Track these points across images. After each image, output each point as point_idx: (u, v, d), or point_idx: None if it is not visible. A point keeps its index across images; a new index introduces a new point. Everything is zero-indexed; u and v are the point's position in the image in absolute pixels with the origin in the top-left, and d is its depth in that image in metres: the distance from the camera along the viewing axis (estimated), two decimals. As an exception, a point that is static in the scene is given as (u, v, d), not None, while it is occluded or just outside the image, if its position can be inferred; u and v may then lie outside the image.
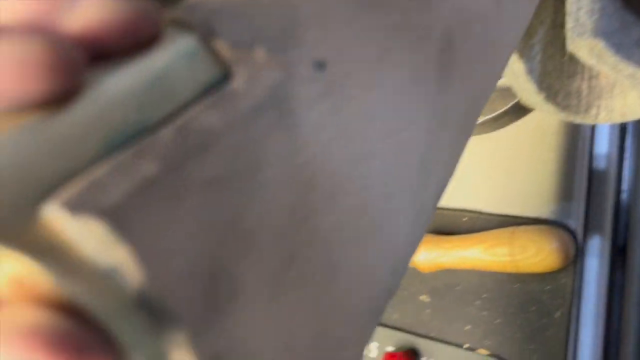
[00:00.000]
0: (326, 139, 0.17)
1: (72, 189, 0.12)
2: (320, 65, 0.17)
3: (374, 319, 0.21)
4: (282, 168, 0.16)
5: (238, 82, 0.16)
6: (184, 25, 0.16)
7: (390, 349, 0.66)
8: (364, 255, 0.19)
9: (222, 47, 0.15)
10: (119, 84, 0.14)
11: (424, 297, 0.67)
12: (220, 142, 0.15)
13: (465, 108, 0.25)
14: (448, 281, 0.66)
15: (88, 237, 0.12)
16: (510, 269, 0.60)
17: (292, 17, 0.17)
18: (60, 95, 0.13)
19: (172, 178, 0.14)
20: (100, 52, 0.14)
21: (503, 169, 0.67)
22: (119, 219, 0.12)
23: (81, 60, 0.13)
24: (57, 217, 0.12)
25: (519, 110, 0.64)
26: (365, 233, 0.19)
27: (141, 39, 0.15)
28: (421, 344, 0.65)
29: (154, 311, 0.13)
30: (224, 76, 0.16)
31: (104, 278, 0.13)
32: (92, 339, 0.12)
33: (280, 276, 0.16)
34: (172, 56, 0.15)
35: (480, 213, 0.66)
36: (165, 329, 0.13)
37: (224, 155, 0.15)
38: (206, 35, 0.16)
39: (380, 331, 0.66)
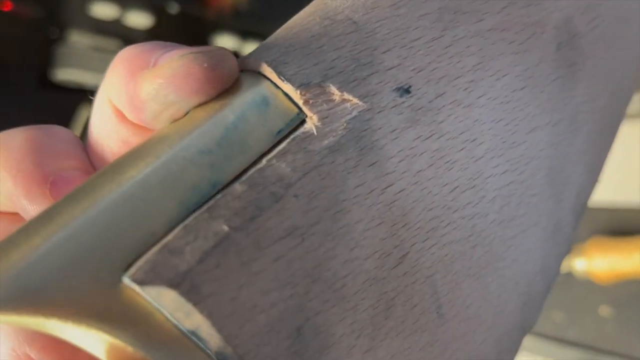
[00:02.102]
0: (416, 169, 0.16)
1: (147, 257, 0.13)
2: (404, 90, 0.16)
3: None
4: (367, 208, 0.15)
5: (310, 123, 0.15)
6: (253, 73, 0.16)
7: (569, 367, 0.60)
8: (481, 290, 0.17)
9: (292, 90, 0.15)
10: (192, 144, 0.14)
11: (604, 310, 0.60)
12: (295, 190, 0.14)
13: (604, 104, 0.22)
14: (634, 290, 0.58)
15: (164, 304, 0.12)
16: None
17: (367, 42, 0.16)
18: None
19: (246, 234, 0.13)
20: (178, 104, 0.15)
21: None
22: (191, 285, 0.12)
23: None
24: (133, 289, 0.12)
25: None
26: (480, 265, 0.17)
27: (218, 89, 0.15)
28: (607, 361, 0.58)
29: None
30: (298, 120, 0.15)
31: (186, 341, 0.13)
32: None
33: (377, 324, 0.15)
34: (243, 108, 0.15)
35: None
36: None
37: (299, 203, 0.14)
38: (276, 80, 0.15)
39: (555, 348, 0.61)
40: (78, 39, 0.93)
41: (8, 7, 0.87)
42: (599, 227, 0.61)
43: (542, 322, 0.62)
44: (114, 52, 0.16)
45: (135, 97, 0.15)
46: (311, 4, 0.17)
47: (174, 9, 0.92)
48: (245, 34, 0.95)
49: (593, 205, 0.62)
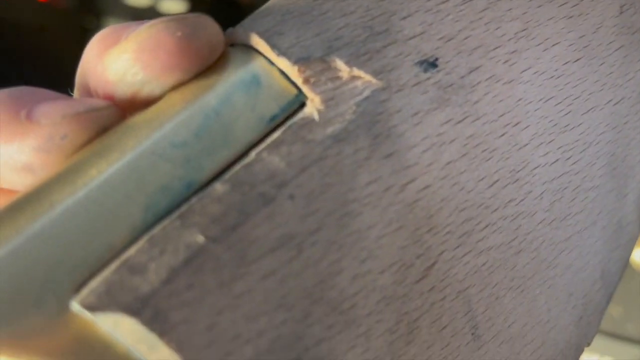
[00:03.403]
0: (445, 160, 0.13)
1: (101, 277, 0.10)
2: (429, 64, 0.13)
3: None
4: (382, 210, 0.12)
5: (311, 107, 0.12)
6: (244, 47, 0.13)
7: (628, 365, 0.56)
8: (526, 305, 0.14)
9: (288, 65, 0.12)
10: (164, 136, 0.12)
11: (666, 304, 0.55)
12: (290, 190, 0.11)
13: None
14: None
15: (123, 334, 0.10)
16: None
17: (383, 5, 0.13)
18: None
19: (226, 246, 0.11)
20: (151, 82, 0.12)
21: None
22: (155, 311, 0.10)
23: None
24: (83, 316, 0.10)
25: None
26: (525, 275, 0.14)
27: (197, 64, 0.12)
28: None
29: None
30: (297, 102, 0.12)
31: None
32: None
33: (397, 351, 0.12)
34: (228, 90, 0.12)
35: None
36: None
37: (296, 206, 0.11)
38: (269, 54, 0.12)
39: (613, 344, 0.56)
40: (115, 28, 0.92)
41: (44, -3, 0.88)
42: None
43: (597, 316, 0.58)
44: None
45: (103, 79, 0.12)
46: None
47: (208, -7, 0.90)
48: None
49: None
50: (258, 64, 0.12)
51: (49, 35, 0.91)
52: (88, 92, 0.14)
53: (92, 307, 0.10)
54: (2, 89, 0.13)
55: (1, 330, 0.10)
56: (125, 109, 0.13)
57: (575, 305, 0.16)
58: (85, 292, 0.10)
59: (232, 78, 0.12)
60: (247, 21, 0.13)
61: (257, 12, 0.13)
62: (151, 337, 0.10)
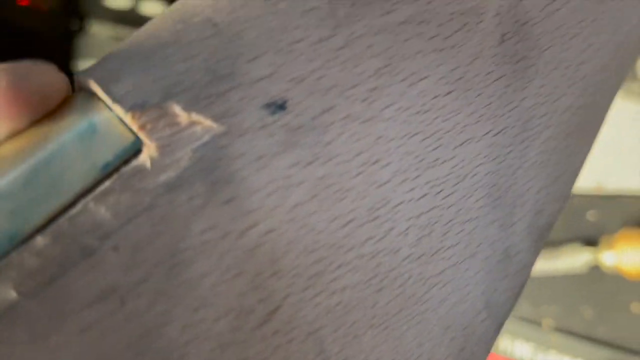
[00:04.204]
0: (292, 204, 0.13)
1: None
2: (277, 106, 0.13)
3: None
4: (219, 257, 0.12)
5: (145, 155, 0.12)
6: (87, 93, 0.13)
7: (599, 368, 0.55)
8: (391, 342, 0.14)
9: (122, 112, 0.12)
10: None
11: (636, 307, 0.55)
12: (114, 241, 0.11)
13: (570, 103, 0.18)
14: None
15: None
16: None
17: (229, 48, 0.13)
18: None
19: (40, 301, 0.11)
20: None
21: None
22: None
23: None
24: None
25: None
26: (389, 312, 0.14)
27: (29, 113, 0.12)
28: (641, 361, 0.53)
29: None
30: (133, 150, 0.12)
31: None
32: None
33: None
34: (63, 138, 0.12)
35: None
36: None
37: (120, 257, 0.11)
38: (106, 100, 0.12)
39: (584, 346, 0.56)
40: (98, 30, 0.92)
41: (26, 1, 0.88)
42: (630, 218, 0.56)
43: (570, 318, 0.58)
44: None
45: None
46: (174, 4, 0.14)
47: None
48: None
49: (624, 194, 0.57)
50: (97, 111, 0.12)
51: (33, 37, 0.91)
52: None
53: None
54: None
55: None
56: None
57: (454, 337, 0.16)
58: None
59: (68, 125, 0.12)
60: (92, 66, 0.13)
61: (104, 56, 0.13)
62: None
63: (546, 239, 0.18)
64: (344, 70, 0.14)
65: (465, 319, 0.16)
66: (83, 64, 0.90)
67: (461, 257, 0.16)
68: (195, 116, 0.12)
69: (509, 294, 0.17)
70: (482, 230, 0.16)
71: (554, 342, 0.58)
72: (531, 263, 0.18)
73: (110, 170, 0.12)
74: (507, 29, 0.16)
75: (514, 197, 0.17)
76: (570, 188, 0.19)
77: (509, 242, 0.17)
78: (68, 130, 0.12)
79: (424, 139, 0.15)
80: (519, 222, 0.17)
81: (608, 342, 0.56)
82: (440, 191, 0.15)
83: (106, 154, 0.12)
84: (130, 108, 0.12)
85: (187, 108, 0.12)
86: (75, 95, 0.13)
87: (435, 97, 0.15)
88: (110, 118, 0.12)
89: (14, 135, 0.12)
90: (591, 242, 0.56)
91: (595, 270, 0.55)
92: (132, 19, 0.91)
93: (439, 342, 0.15)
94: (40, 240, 0.11)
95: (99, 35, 0.92)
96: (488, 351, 0.17)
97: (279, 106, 0.13)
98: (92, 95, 0.13)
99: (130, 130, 0.12)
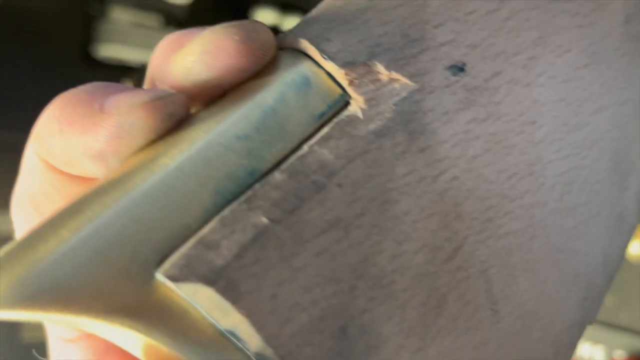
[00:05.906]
0: (471, 155, 0.15)
1: (181, 252, 0.12)
2: (458, 68, 0.15)
3: None
4: (417, 198, 0.14)
5: (355, 106, 0.14)
6: (293, 51, 0.14)
7: (619, 353, 0.58)
8: (539, 285, 0.16)
9: (335, 69, 0.14)
10: (228, 129, 0.13)
11: (657, 294, 0.57)
12: (338, 179, 0.13)
13: None
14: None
15: (200, 302, 0.12)
16: None
17: (418, 15, 0.15)
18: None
19: (286, 227, 0.12)
20: (212, 86, 0.14)
21: None
22: (228, 282, 0.12)
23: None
24: (166, 285, 0.12)
25: None
26: (538, 258, 0.16)
27: (254, 64, 0.14)
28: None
29: None
30: (342, 102, 0.14)
31: (223, 341, 0.12)
32: None
33: (428, 322, 0.14)
34: (282, 90, 0.14)
35: None
36: None
37: (343, 193, 0.13)
38: (318, 58, 0.14)
39: (605, 333, 0.59)
40: (119, 15, 0.93)
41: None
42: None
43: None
44: (154, 28, 0.15)
45: (170, 78, 0.14)
46: None
47: (213, -18, 0.91)
48: (285, 7, 0.93)
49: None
50: (308, 67, 0.14)
51: (54, 20, 0.91)
52: None
53: (173, 278, 0.12)
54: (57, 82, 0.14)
55: (97, 298, 0.11)
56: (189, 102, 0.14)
57: (580, 287, 0.18)
58: (167, 265, 0.12)
59: (285, 78, 0.14)
60: (296, 28, 0.15)
61: (303, 19, 0.15)
62: (225, 305, 0.12)
63: None
64: (508, 39, 0.15)
65: (588, 271, 0.18)
66: (104, 49, 0.91)
67: (591, 214, 0.17)
68: (394, 74, 0.14)
69: (620, 252, 0.19)
70: (606, 191, 0.18)
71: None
72: (635, 227, 0.20)
73: (325, 119, 0.14)
74: (631, 10, 0.18)
75: (629, 164, 0.19)
76: None
77: (623, 204, 0.19)
78: (286, 83, 0.14)
79: (568, 105, 0.16)
80: (630, 188, 0.19)
81: (629, 328, 0.58)
82: (579, 153, 0.17)
83: (320, 104, 0.14)
84: (343, 65, 0.14)
85: (388, 67, 0.14)
86: (283, 53, 0.14)
87: (577, 68, 0.17)
88: (319, 73, 0.14)
89: (238, 84, 0.14)
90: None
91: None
92: (156, 5, 0.92)
93: (570, 290, 0.17)
94: (278, 176, 0.13)
95: (119, 20, 0.93)
96: (600, 304, 0.19)
97: (460, 68, 0.15)
98: (299, 53, 0.14)
99: (337, 84, 0.14)
